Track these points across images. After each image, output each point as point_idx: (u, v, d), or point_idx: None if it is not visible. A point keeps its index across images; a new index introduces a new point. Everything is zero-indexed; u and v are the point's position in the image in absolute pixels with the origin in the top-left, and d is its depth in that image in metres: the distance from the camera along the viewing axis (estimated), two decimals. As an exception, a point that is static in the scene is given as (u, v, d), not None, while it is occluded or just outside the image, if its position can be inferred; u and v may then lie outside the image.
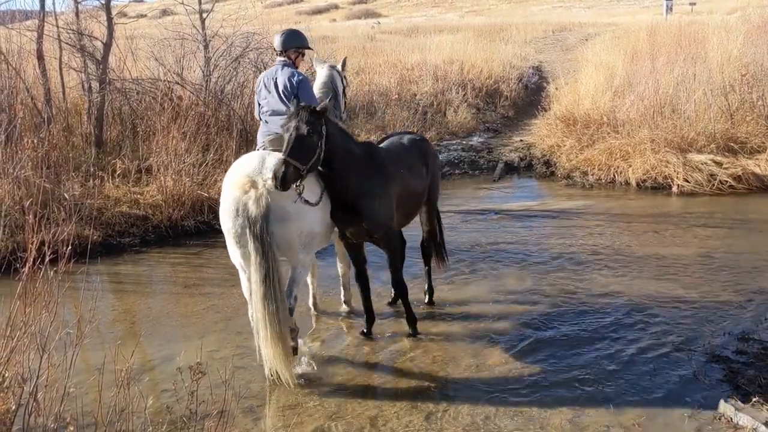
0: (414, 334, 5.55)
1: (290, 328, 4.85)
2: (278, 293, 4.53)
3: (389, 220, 5.24)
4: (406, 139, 5.89)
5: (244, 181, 4.61)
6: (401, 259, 5.64)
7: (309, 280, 6.00)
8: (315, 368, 5.03)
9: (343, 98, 6.19)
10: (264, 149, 5.27)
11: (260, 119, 5.57)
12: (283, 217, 4.58)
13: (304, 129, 4.56)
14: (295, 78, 5.32)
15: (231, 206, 4.61)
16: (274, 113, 5.37)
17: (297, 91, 5.27)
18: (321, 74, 6.04)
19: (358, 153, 5.10)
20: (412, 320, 5.57)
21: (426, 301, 6.20)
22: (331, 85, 5.92)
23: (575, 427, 4.24)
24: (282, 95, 5.31)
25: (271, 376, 4.68)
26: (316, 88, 5.88)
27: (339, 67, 6.21)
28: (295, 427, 4.25)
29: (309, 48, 5.77)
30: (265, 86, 5.45)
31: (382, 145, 5.77)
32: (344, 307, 6.15)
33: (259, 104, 5.54)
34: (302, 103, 4.77)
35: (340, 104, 6.04)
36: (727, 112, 10.78)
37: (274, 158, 4.67)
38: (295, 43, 5.56)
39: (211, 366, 4.94)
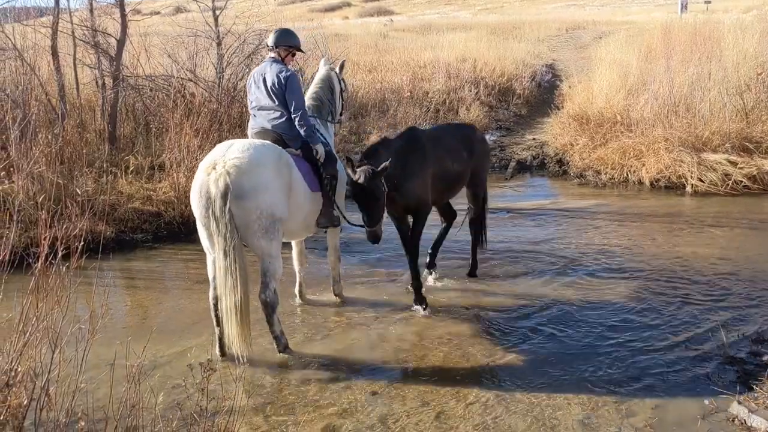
0: (418, 301, 5.98)
1: (271, 321, 5.07)
2: (239, 267, 4.69)
3: (424, 195, 5.86)
4: (454, 124, 6.70)
5: (208, 164, 4.81)
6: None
7: (296, 268, 6.23)
8: (323, 364, 5.05)
9: (341, 100, 6.35)
10: None
11: (250, 113, 5.76)
12: (239, 195, 4.70)
13: (375, 196, 5.23)
14: (283, 74, 5.45)
15: (195, 189, 4.84)
16: (261, 108, 5.58)
17: (285, 88, 5.36)
18: (320, 72, 6.27)
19: (400, 146, 5.71)
20: (417, 288, 5.97)
21: (468, 272, 6.76)
22: (327, 83, 6.14)
23: (586, 428, 4.21)
24: (270, 91, 5.47)
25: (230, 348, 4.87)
26: (314, 84, 6.16)
27: (337, 69, 6.38)
28: (305, 424, 4.25)
29: (300, 50, 5.88)
30: (255, 82, 5.62)
31: (430, 129, 6.23)
32: (335, 299, 6.25)
33: (249, 99, 5.72)
34: (361, 171, 5.19)
35: (336, 105, 6.25)
36: (742, 111, 10.68)
37: (241, 143, 4.98)
38: (285, 41, 5.69)
39: (221, 362, 5.00)
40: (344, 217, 5.73)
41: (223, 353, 5.14)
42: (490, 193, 10.27)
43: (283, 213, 4.97)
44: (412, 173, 5.68)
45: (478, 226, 6.84)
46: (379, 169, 5.19)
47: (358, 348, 5.37)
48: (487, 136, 13.75)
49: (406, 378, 4.90)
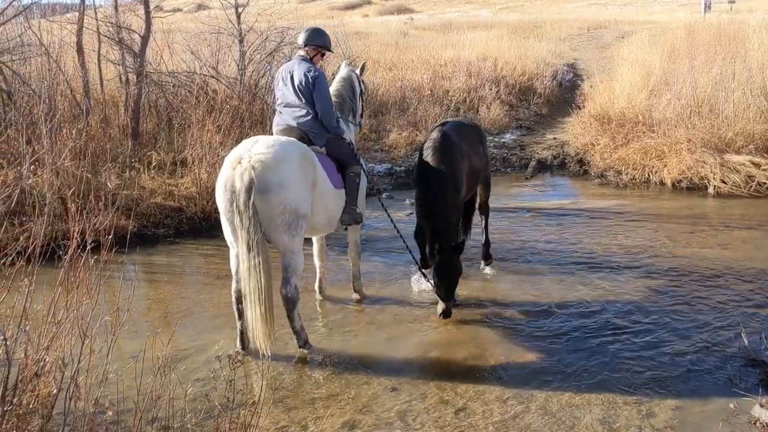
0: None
1: (292, 316, 5.10)
2: (262, 261, 4.74)
3: (463, 193, 6.11)
4: (465, 123, 6.99)
5: (233, 159, 4.87)
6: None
7: (317, 264, 6.29)
8: (343, 360, 5.09)
9: (361, 101, 6.41)
10: None
11: (275, 109, 5.81)
12: (264, 189, 4.75)
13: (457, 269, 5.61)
14: (311, 73, 5.50)
15: (221, 183, 4.90)
16: (288, 105, 5.63)
17: (313, 87, 5.41)
18: (342, 72, 6.36)
19: (446, 153, 5.89)
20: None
21: (483, 254, 7.00)
22: (349, 82, 6.23)
23: (606, 428, 4.21)
24: (297, 89, 5.52)
25: (254, 341, 4.93)
26: (336, 82, 6.23)
27: (358, 71, 6.48)
28: (326, 419, 4.28)
29: (329, 50, 5.92)
30: (282, 79, 5.67)
31: (448, 128, 6.30)
32: (355, 296, 6.29)
33: (275, 95, 5.77)
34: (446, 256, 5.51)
35: (357, 106, 6.32)
36: (766, 112, 10.55)
37: (266, 139, 5.04)
38: (315, 41, 5.75)
39: (242, 356, 5.05)
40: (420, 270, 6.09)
41: (244, 347, 5.19)
42: (510, 192, 10.34)
43: (307, 210, 5.01)
44: (460, 178, 5.91)
45: (486, 210, 7.19)
46: (460, 242, 5.62)
47: (378, 344, 5.40)
48: (508, 135, 13.76)
49: (425, 375, 4.93)
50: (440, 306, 5.57)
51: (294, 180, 4.90)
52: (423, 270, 6.09)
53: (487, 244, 7.05)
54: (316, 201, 5.17)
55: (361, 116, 6.54)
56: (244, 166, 4.75)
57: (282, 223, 4.87)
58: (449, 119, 7.61)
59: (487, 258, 7.00)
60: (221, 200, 4.90)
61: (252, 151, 4.85)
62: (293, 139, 5.32)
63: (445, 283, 5.51)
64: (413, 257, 6.17)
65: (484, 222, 7.14)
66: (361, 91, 6.41)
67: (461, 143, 6.12)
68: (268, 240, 4.89)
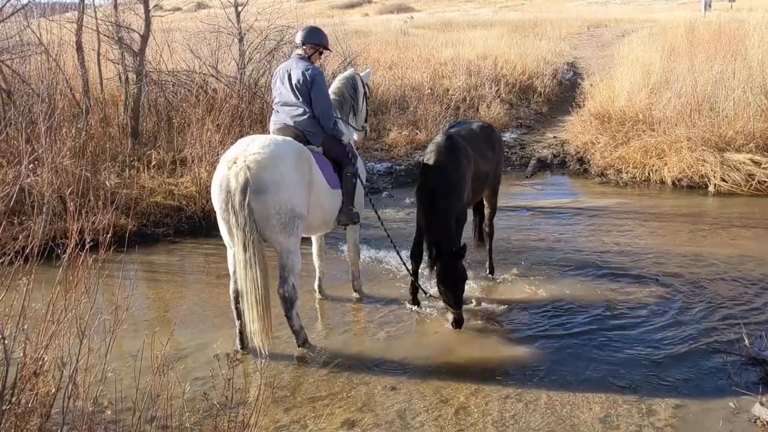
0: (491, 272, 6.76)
1: (290, 315, 5.09)
2: (258, 261, 4.72)
3: (467, 201, 5.94)
4: (475, 125, 6.64)
5: (229, 159, 4.85)
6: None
7: (316, 263, 6.30)
8: (342, 359, 5.08)
9: (364, 104, 6.39)
10: None
11: (273, 108, 5.81)
12: (259, 189, 4.72)
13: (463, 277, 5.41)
14: (310, 72, 5.49)
15: (216, 182, 4.88)
16: (285, 104, 5.62)
17: (311, 85, 5.40)
18: (346, 72, 6.37)
19: (447, 158, 5.64)
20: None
21: (488, 272, 6.76)
22: (351, 81, 6.21)
23: (606, 427, 4.20)
24: (295, 88, 5.51)
25: (252, 341, 4.92)
26: (337, 80, 6.24)
27: (362, 73, 6.48)
28: (325, 418, 4.28)
29: (327, 48, 5.89)
30: (280, 78, 5.66)
31: (454, 130, 6.16)
32: (354, 295, 6.28)
33: (273, 94, 5.78)
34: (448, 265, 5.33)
35: (359, 107, 6.31)
36: (767, 110, 10.54)
37: (262, 138, 5.02)
38: (312, 39, 5.72)
39: (242, 356, 5.05)
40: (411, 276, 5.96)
41: (243, 347, 5.18)
42: (510, 191, 10.33)
43: (303, 209, 5.00)
44: (463, 182, 5.69)
45: (491, 229, 6.87)
46: (461, 250, 5.37)
47: (377, 343, 5.39)
48: (508, 134, 13.74)
49: (425, 374, 4.91)
50: (450, 315, 5.48)
51: (290, 180, 4.87)
52: (417, 283, 5.95)
53: (491, 269, 6.78)
54: (313, 201, 5.15)
55: (365, 120, 6.49)
56: (240, 165, 4.72)
57: (278, 223, 4.85)
58: (461, 120, 7.51)
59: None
60: (217, 200, 4.88)
61: (248, 150, 4.83)
62: (289, 138, 5.30)
63: (451, 290, 5.35)
64: (405, 266, 6.07)
65: (488, 245, 6.83)
66: (366, 93, 6.38)
67: (467, 146, 5.93)
68: (264, 239, 4.88)
